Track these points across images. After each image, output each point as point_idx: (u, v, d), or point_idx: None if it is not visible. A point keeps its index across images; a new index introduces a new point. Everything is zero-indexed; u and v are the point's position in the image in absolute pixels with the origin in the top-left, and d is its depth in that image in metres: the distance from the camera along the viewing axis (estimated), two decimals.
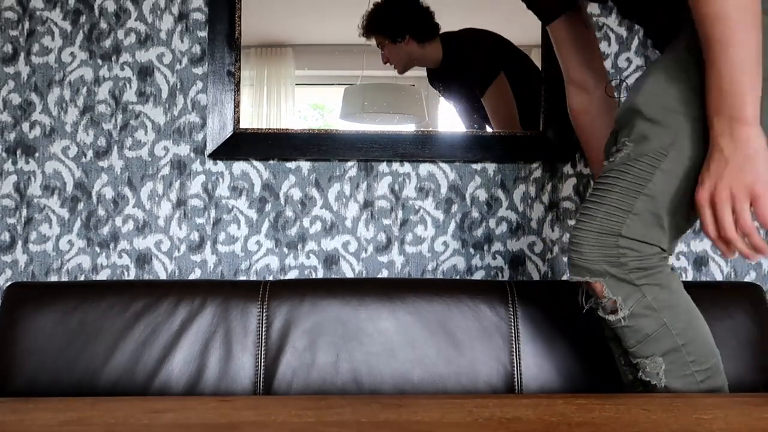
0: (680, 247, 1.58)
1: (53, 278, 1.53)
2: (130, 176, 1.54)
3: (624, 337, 1.01)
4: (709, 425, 0.73)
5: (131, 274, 1.54)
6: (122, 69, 1.55)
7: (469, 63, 1.55)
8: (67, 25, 1.54)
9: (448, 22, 1.54)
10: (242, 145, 1.52)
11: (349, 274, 1.56)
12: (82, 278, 1.53)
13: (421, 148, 1.54)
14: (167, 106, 1.55)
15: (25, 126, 1.53)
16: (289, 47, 1.55)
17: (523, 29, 1.55)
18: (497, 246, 1.58)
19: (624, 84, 1.58)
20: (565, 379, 1.27)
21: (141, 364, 1.23)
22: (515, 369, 1.28)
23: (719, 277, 1.58)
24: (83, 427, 0.71)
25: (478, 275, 1.58)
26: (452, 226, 1.58)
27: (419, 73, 1.57)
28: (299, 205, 1.56)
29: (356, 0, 1.53)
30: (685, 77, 0.95)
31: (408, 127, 1.56)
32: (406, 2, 1.53)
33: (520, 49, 1.55)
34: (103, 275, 1.54)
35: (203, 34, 1.55)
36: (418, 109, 1.56)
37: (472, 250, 1.58)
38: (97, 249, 1.54)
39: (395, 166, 1.57)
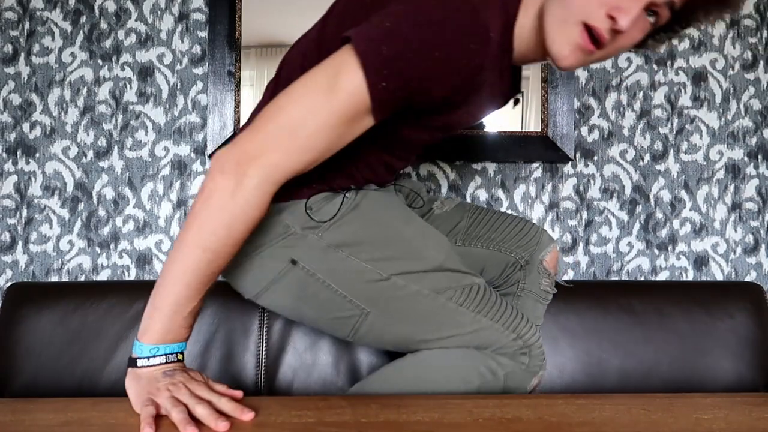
0: (681, 247, 1.58)
1: (54, 278, 1.53)
2: (131, 176, 1.54)
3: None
4: (709, 425, 0.73)
5: (132, 275, 1.54)
6: (122, 69, 1.55)
7: None
8: (67, 26, 1.54)
9: None
10: None
11: None
12: (82, 278, 1.53)
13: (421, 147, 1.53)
14: (167, 106, 1.55)
15: (26, 126, 1.53)
16: (289, 47, 1.55)
17: None
18: None
19: (624, 84, 1.58)
20: (565, 379, 1.27)
21: None
22: None
23: (719, 277, 1.58)
24: (83, 427, 0.71)
25: None
26: None
27: None
28: None
29: None
30: None
31: None
32: None
33: None
34: (103, 275, 1.54)
35: (203, 34, 1.55)
36: None
37: None
38: (98, 249, 1.54)
39: None
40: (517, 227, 1.16)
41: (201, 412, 0.74)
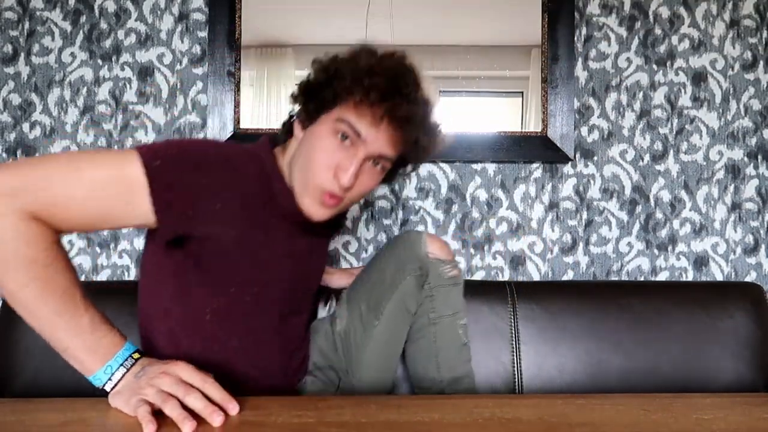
0: (680, 247, 1.58)
1: None
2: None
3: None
4: (709, 425, 0.73)
5: (131, 275, 1.54)
6: (122, 69, 1.55)
7: None
8: (67, 26, 1.54)
9: (450, 23, 1.54)
10: None
11: None
12: (82, 278, 1.53)
13: None
14: (167, 106, 1.55)
15: (26, 126, 1.53)
16: (289, 47, 1.55)
17: (522, 30, 1.55)
18: (497, 246, 1.58)
19: (624, 85, 1.58)
20: (565, 379, 1.27)
21: None
22: (515, 369, 1.27)
23: (719, 277, 1.58)
24: (83, 427, 0.71)
25: (478, 275, 1.57)
26: (452, 226, 1.58)
27: None
28: None
29: (356, 0, 1.53)
30: None
31: None
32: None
33: None
34: (103, 276, 1.54)
35: (203, 34, 1.55)
36: None
37: (472, 250, 1.58)
38: (98, 249, 1.54)
39: None
40: (387, 254, 1.14)
41: (193, 403, 0.74)
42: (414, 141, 0.95)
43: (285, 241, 0.99)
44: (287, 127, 1.03)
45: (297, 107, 0.99)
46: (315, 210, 0.95)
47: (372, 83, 0.90)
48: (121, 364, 0.80)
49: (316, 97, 0.95)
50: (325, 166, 0.92)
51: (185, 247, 0.92)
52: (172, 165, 0.84)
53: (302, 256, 1.05)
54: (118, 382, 0.79)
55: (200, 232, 0.89)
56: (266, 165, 0.96)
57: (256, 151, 0.97)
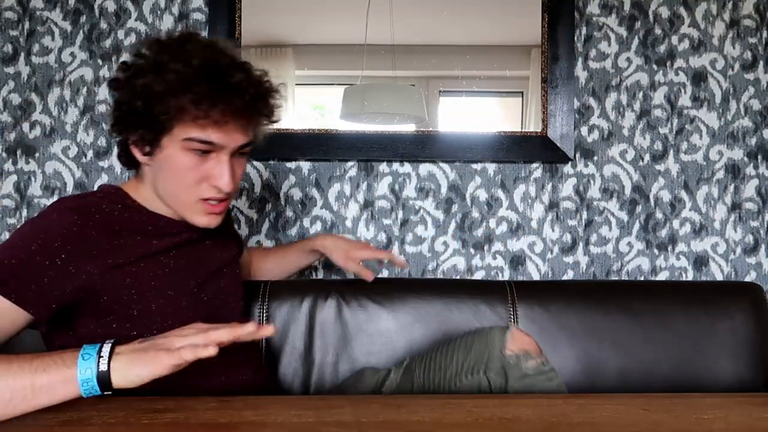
0: (680, 247, 1.58)
1: None
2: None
3: None
4: (709, 425, 0.73)
5: None
6: None
7: None
8: (67, 25, 1.54)
9: (450, 23, 1.54)
10: None
11: (350, 275, 1.56)
12: None
13: (421, 148, 1.53)
14: None
15: (26, 126, 1.53)
16: (289, 47, 1.55)
17: (522, 30, 1.55)
18: (497, 246, 1.58)
19: (624, 84, 1.58)
20: (565, 379, 1.27)
21: None
22: None
23: (719, 277, 1.58)
24: (83, 427, 0.71)
25: (478, 275, 1.58)
26: (452, 226, 1.58)
27: (419, 73, 1.57)
28: (299, 205, 1.56)
29: (356, 0, 1.53)
30: None
31: (408, 127, 1.56)
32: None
33: None
34: None
35: (203, 34, 1.55)
36: (418, 109, 1.56)
37: (472, 250, 1.58)
38: None
39: (395, 166, 1.57)
40: (464, 341, 1.05)
41: (216, 335, 0.73)
42: (262, 116, 0.96)
43: (164, 260, 0.95)
44: (126, 157, 0.99)
45: (120, 136, 0.96)
46: (206, 221, 0.96)
47: (197, 93, 0.85)
48: (101, 345, 0.73)
49: (145, 126, 0.89)
50: (194, 182, 0.92)
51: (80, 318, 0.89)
52: (12, 256, 0.83)
53: (193, 265, 1.00)
54: (111, 355, 0.71)
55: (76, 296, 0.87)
56: (124, 199, 0.96)
57: (104, 191, 0.98)
